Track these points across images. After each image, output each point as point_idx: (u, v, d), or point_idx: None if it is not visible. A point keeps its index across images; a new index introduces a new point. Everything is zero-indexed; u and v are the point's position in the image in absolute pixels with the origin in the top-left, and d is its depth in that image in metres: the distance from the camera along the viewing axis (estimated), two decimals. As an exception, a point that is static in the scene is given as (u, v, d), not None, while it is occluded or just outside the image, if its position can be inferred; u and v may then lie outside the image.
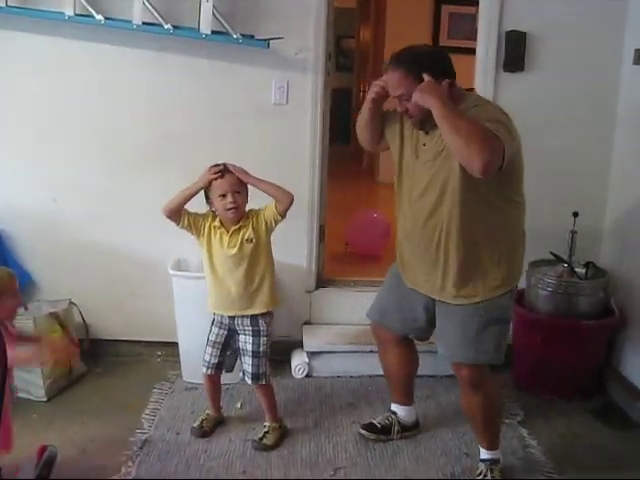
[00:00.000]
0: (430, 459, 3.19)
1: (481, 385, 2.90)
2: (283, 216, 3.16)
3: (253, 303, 3.19)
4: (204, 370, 3.31)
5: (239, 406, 3.60)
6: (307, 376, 3.95)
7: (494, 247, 2.77)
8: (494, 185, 2.63)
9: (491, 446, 3.03)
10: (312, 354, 3.97)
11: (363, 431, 3.32)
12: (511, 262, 2.83)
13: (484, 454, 3.04)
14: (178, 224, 3.16)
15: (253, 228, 3.14)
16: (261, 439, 3.24)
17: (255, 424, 3.37)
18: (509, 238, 2.82)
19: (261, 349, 3.22)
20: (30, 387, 3.59)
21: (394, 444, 3.29)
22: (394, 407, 3.40)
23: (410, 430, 3.38)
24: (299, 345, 4.04)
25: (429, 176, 2.74)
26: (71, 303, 3.85)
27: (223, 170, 3.09)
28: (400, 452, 3.24)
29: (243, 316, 3.20)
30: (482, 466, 3.01)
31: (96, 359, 4.00)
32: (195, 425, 3.34)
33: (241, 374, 3.36)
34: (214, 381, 3.37)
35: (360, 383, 3.89)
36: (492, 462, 3.01)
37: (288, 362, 3.99)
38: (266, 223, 3.16)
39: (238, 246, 3.13)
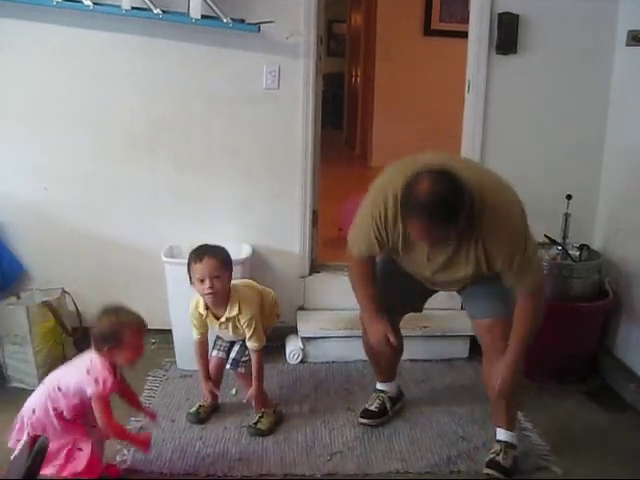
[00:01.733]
0: (426, 442, 3.19)
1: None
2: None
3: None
4: (214, 353, 3.36)
5: (234, 393, 3.59)
6: (301, 362, 3.95)
7: None
8: None
9: (510, 425, 3.01)
10: (306, 339, 3.96)
11: (364, 420, 3.31)
12: None
13: (502, 434, 3.01)
14: None
15: (243, 325, 3.16)
16: (255, 424, 3.24)
17: (250, 410, 3.36)
18: None
19: (245, 353, 3.28)
20: (24, 376, 3.58)
21: (390, 428, 3.30)
22: (380, 386, 3.42)
23: (398, 402, 3.43)
24: (293, 331, 4.03)
25: (445, 276, 2.82)
26: (64, 292, 3.83)
27: (201, 255, 3.05)
28: (396, 435, 3.24)
29: None
30: (497, 446, 2.99)
31: (89, 347, 3.98)
32: (191, 411, 3.33)
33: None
34: (219, 370, 3.39)
35: (355, 368, 3.88)
36: (508, 445, 2.99)
37: (282, 348, 3.99)
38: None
39: (232, 327, 3.18)
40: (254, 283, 3.37)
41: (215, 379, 3.40)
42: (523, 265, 2.63)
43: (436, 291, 3.14)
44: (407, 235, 2.69)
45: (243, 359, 3.26)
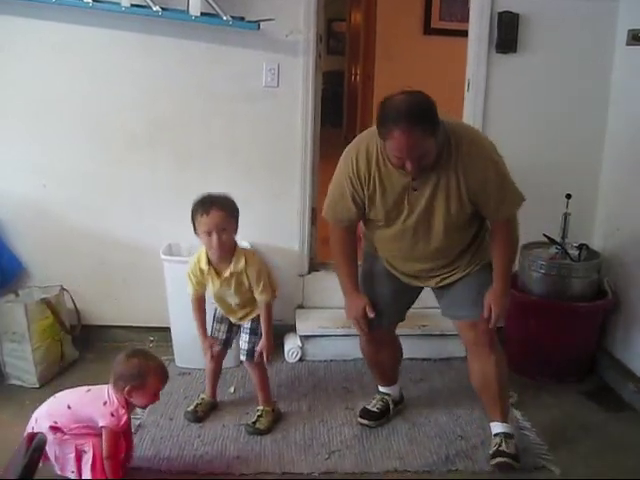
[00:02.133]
0: (424, 441, 3.19)
1: (496, 344, 2.95)
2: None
3: (252, 310, 3.22)
4: (209, 357, 3.33)
5: (232, 391, 3.59)
6: (300, 360, 3.95)
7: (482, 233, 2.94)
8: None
9: (505, 417, 3.03)
10: (305, 338, 3.96)
11: (364, 421, 3.31)
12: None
13: (498, 427, 3.02)
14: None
15: (248, 279, 3.12)
16: (254, 423, 3.23)
17: (248, 409, 3.36)
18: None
19: (259, 330, 3.22)
20: (22, 374, 3.58)
21: (389, 426, 3.29)
22: (384, 389, 3.41)
23: (400, 404, 3.44)
24: (292, 329, 4.03)
25: (427, 223, 2.79)
26: (62, 289, 3.82)
27: (208, 207, 3.00)
28: (394, 435, 3.24)
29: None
30: (497, 439, 2.99)
31: (88, 345, 3.99)
32: (189, 409, 3.33)
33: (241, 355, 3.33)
34: (218, 361, 3.38)
35: (353, 366, 3.88)
36: (507, 435, 2.99)
37: (281, 346, 3.98)
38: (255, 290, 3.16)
39: (234, 284, 3.12)
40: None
41: (213, 380, 3.41)
42: (502, 191, 2.71)
43: (418, 292, 3.15)
44: (383, 178, 2.73)
45: (257, 348, 3.22)
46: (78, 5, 3.56)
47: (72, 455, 2.68)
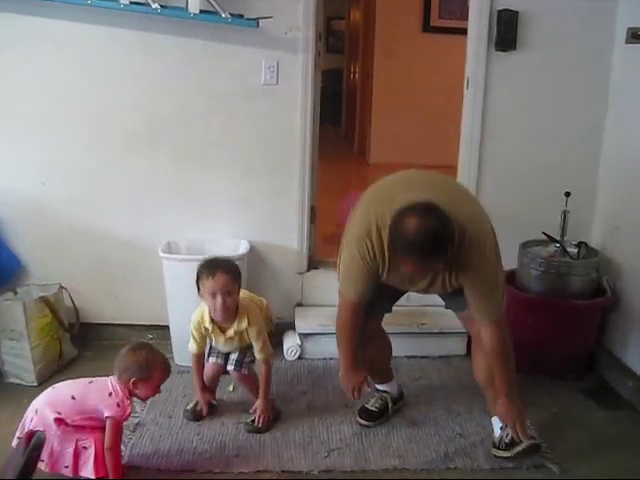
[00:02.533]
0: (423, 439, 3.19)
1: (506, 336, 2.88)
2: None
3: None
4: (211, 359, 3.34)
5: (231, 389, 3.58)
6: (299, 358, 3.95)
7: None
8: None
9: None
10: (304, 336, 3.96)
11: (362, 421, 3.30)
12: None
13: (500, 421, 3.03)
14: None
15: (249, 336, 3.19)
16: (253, 421, 3.23)
17: (247, 407, 3.36)
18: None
19: (245, 358, 3.30)
20: (20, 372, 3.57)
21: (388, 425, 3.29)
22: (381, 387, 3.41)
23: (398, 402, 3.43)
24: (291, 327, 4.03)
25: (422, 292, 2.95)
26: (61, 287, 3.82)
27: (214, 270, 3.06)
28: (393, 432, 3.24)
29: None
30: (507, 429, 2.97)
31: (87, 343, 3.99)
32: (188, 408, 3.33)
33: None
34: (217, 372, 3.38)
35: (353, 365, 3.88)
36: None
37: (280, 344, 3.98)
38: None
39: (237, 341, 3.21)
40: (249, 293, 3.38)
41: (211, 386, 3.41)
42: (491, 295, 2.77)
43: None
44: (392, 264, 2.74)
45: (246, 359, 3.26)
46: (77, 3, 3.55)
47: (70, 450, 2.68)
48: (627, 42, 3.73)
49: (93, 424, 2.70)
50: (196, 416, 3.30)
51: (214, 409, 3.39)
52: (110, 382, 2.75)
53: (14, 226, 3.90)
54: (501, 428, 3.03)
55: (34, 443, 1.72)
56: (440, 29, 7.91)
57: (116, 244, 3.97)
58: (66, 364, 3.79)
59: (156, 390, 2.84)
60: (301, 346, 3.94)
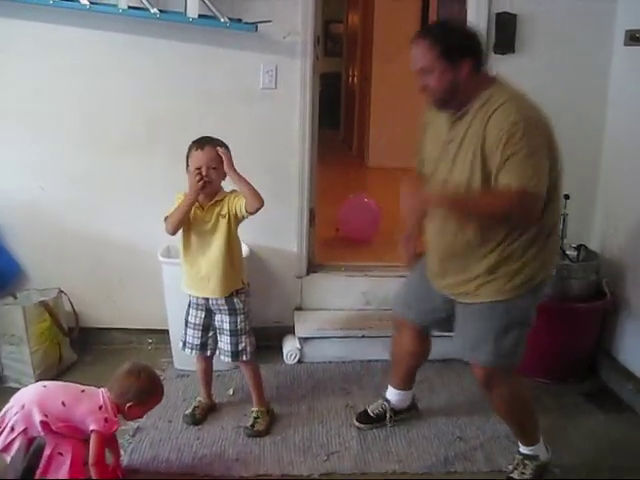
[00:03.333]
0: (423, 443, 3.19)
1: (494, 387, 2.78)
2: (247, 215, 3.10)
3: (224, 284, 3.15)
4: (187, 352, 3.31)
5: (231, 393, 3.58)
6: (299, 362, 3.94)
7: (517, 242, 2.59)
8: None
9: (525, 442, 2.93)
10: (304, 340, 3.95)
11: (358, 424, 3.30)
12: (535, 258, 2.63)
13: (521, 448, 2.94)
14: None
15: (228, 206, 3.09)
16: (252, 425, 3.23)
17: (247, 411, 3.35)
18: (533, 233, 2.60)
19: (239, 327, 3.21)
20: (20, 376, 3.57)
21: (387, 428, 3.29)
22: (390, 392, 3.34)
23: (403, 413, 3.36)
24: (290, 331, 4.02)
25: (459, 179, 2.57)
26: (60, 292, 3.81)
27: (203, 143, 3.04)
28: (393, 436, 3.24)
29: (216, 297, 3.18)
30: (517, 458, 2.93)
31: (86, 348, 3.98)
32: (187, 412, 3.33)
33: (218, 354, 3.31)
34: (205, 363, 3.37)
35: (352, 368, 3.89)
36: (527, 457, 2.91)
37: (280, 348, 3.98)
38: (235, 211, 3.10)
39: (213, 221, 3.09)
40: None
41: (205, 382, 3.41)
42: (513, 159, 2.42)
43: (444, 308, 2.89)
44: (441, 121, 2.74)
45: (240, 348, 3.22)
46: (75, 7, 3.55)
47: (46, 453, 2.59)
48: (626, 44, 3.73)
49: (74, 434, 2.64)
50: (195, 420, 3.30)
51: (213, 409, 3.42)
52: (102, 395, 2.71)
53: (13, 231, 3.89)
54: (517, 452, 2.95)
55: (34, 449, 1.72)
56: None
57: (115, 248, 3.96)
58: (66, 368, 3.78)
59: (142, 415, 2.87)
60: (301, 350, 3.94)
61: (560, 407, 3.53)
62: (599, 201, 4.04)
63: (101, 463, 2.64)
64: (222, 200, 3.10)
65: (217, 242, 3.11)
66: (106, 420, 2.64)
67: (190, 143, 3.08)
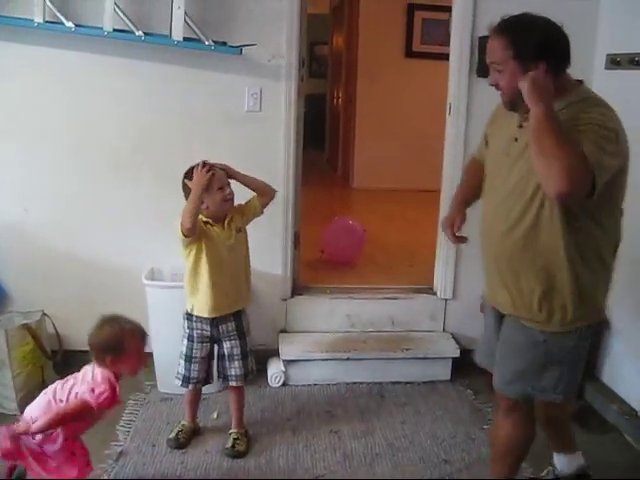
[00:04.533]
0: (409, 467, 3.17)
1: (515, 409, 2.63)
2: (262, 210, 3.24)
3: (241, 296, 3.24)
4: (190, 387, 3.29)
5: (215, 416, 3.56)
6: (283, 384, 3.93)
7: (574, 273, 2.37)
8: (586, 203, 2.25)
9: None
10: (288, 362, 3.94)
11: None
12: (588, 295, 2.44)
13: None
14: (193, 235, 3.08)
15: (240, 216, 3.20)
16: (233, 447, 3.23)
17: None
18: (591, 266, 2.41)
19: (248, 348, 3.26)
20: (2, 400, 3.54)
21: (372, 452, 3.28)
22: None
23: None
24: (275, 353, 4.01)
25: (516, 178, 2.41)
26: (44, 314, 3.79)
27: (212, 166, 3.10)
28: (378, 459, 3.22)
29: (228, 316, 3.20)
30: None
31: (69, 370, 3.88)
32: (171, 437, 3.31)
33: (220, 380, 3.34)
34: (198, 392, 3.37)
35: (337, 390, 3.87)
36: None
37: (264, 371, 3.96)
38: (246, 214, 3.23)
39: (233, 238, 3.16)
40: None
41: (194, 407, 3.41)
42: (593, 134, 2.16)
43: None
44: (507, 118, 2.49)
45: (249, 369, 3.27)
46: (60, 30, 3.56)
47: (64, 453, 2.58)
48: (606, 68, 3.78)
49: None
50: (180, 444, 3.28)
51: (196, 432, 3.40)
52: (91, 370, 2.64)
53: (-4, 253, 3.88)
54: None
55: (15, 477, 1.71)
56: (422, 54, 7.98)
57: (99, 270, 3.95)
58: (48, 392, 3.75)
59: (139, 360, 2.68)
60: (285, 372, 3.92)
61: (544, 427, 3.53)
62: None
63: (65, 419, 2.53)
64: (232, 216, 3.18)
65: (240, 257, 3.22)
66: (92, 390, 2.55)
67: (186, 173, 3.13)
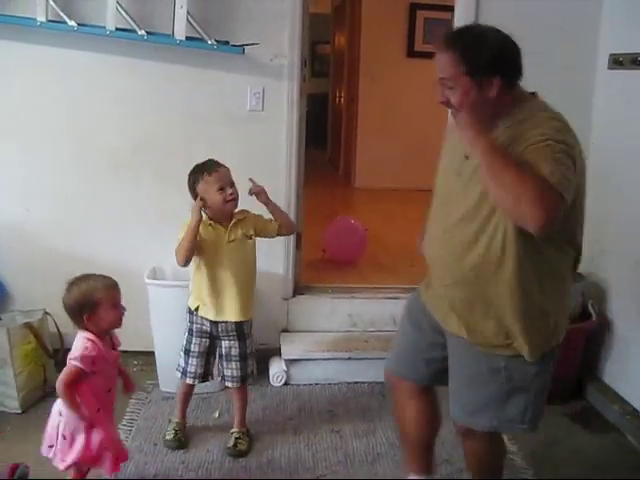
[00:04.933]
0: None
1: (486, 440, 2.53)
2: (274, 237, 3.27)
3: (242, 308, 3.17)
4: (188, 381, 3.28)
5: (217, 415, 3.56)
6: (285, 384, 3.93)
7: (534, 299, 2.24)
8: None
9: None
10: (290, 362, 3.94)
11: None
12: (550, 319, 2.31)
13: None
14: (188, 265, 3.08)
15: (255, 228, 3.18)
16: (235, 446, 3.22)
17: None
18: (551, 290, 2.28)
19: (248, 351, 3.24)
20: (4, 399, 3.53)
21: (374, 452, 3.28)
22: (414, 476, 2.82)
23: None
24: (277, 353, 4.01)
25: (470, 201, 2.23)
26: (45, 313, 3.78)
27: (213, 167, 3.08)
28: (380, 460, 3.22)
29: (228, 322, 3.17)
30: None
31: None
32: (169, 438, 3.27)
33: (220, 379, 3.33)
34: (192, 387, 3.35)
35: (338, 390, 3.87)
36: None
37: (266, 370, 3.96)
38: (260, 231, 3.21)
39: (238, 242, 3.13)
40: None
41: (186, 404, 3.39)
42: (548, 152, 2.06)
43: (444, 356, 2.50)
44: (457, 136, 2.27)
45: (248, 371, 3.26)
46: (63, 29, 3.56)
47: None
48: (609, 68, 3.78)
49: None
50: (182, 444, 3.27)
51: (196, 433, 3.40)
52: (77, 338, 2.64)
53: (-2, 252, 3.89)
54: None
55: (18, 475, 1.71)
56: (425, 54, 7.96)
57: (101, 269, 3.87)
58: (50, 391, 3.74)
59: (116, 311, 2.65)
60: (287, 372, 3.92)
61: (546, 428, 3.50)
62: (585, 223, 4.05)
63: (66, 390, 2.55)
64: (243, 220, 3.15)
65: (245, 264, 3.17)
66: (70, 357, 2.57)
67: (193, 174, 3.10)
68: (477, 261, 2.23)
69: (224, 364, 3.24)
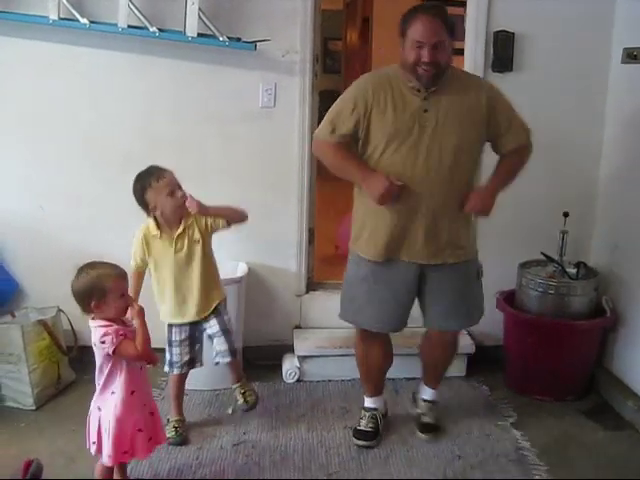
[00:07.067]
0: (423, 462, 3.17)
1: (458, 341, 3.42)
2: (229, 226, 3.22)
3: (209, 304, 3.24)
4: (175, 371, 3.30)
5: (230, 412, 3.56)
6: (298, 380, 3.93)
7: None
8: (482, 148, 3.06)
9: (438, 385, 3.47)
10: (303, 358, 3.94)
11: (360, 442, 3.29)
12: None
13: (430, 395, 3.46)
14: None
15: (199, 229, 3.16)
16: (246, 401, 3.33)
17: (247, 429, 3.35)
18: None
19: (227, 326, 3.27)
20: (18, 395, 3.55)
21: (387, 448, 3.27)
22: (371, 402, 3.43)
23: (385, 417, 3.47)
24: (290, 349, 4.01)
25: (438, 143, 2.90)
26: (59, 310, 3.80)
27: (160, 172, 3.07)
28: (393, 456, 3.22)
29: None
30: (424, 407, 3.44)
31: (85, 366, 3.94)
32: (171, 435, 3.26)
33: (214, 357, 3.31)
34: (183, 380, 3.36)
35: (351, 386, 3.86)
36: (435, 403, 3.45)
37: (279, 367, 3.96)
38: (210, 225, 3.18)
39: (187, 249, 3.15)
40: None
41: (181, 398, 3.41)
42: (510, 114, 3.04)
43: (416, 291, 3.15)
44: (396, 97, 2.93)
45: (235, 346, 3.29)
46: (75, 26, 3.57)
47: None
48: (623, 62, 3.75)
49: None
50: (183, 439, 3.29)
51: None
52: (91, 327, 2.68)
53: (12, 249, 3.90)
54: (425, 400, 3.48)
55: (32, 474, 1.71)
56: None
57: (114, 267, 3.95)
58: (64, 388, 3.77)
59: (124, 299, 2.67)
60: (300, 368, 3.92)
61: (560, 425, 3.52)
62: (598, 218, 4.04)
63: (142, 348, 2.72)
64: (191, 225, 3.15)
65: (196, 269, 3.19)
66: (103, 342, 2.64)
67: (139, 181, 3.09)
68: (457, 187, 2.97)
69: (213, 342, 3.28)
